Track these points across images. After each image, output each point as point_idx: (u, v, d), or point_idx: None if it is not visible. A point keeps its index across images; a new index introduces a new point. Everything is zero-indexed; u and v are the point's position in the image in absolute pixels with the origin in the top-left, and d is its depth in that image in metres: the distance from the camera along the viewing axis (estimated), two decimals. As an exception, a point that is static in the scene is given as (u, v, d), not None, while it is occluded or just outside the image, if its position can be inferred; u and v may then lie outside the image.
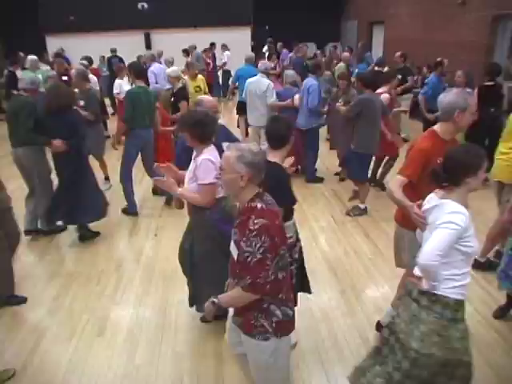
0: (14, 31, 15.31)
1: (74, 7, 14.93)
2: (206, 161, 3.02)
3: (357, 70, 9.94)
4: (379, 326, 3.43)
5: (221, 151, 3.66)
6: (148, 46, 15.62)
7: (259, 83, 6.61)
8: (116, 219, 5.68)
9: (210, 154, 3.07)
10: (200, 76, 7.72)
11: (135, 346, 3.46)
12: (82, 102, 5.92)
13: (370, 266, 4.50)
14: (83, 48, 12.53)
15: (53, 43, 14.75)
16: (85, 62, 9.13)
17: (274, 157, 2.95)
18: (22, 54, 10.68)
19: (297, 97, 6.64)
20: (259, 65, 7.04)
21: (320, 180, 6.88)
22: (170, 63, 9.11)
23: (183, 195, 3.15)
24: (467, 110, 2.80)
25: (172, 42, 13.70)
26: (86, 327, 3.69)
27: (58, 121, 4.65)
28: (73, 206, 4.82)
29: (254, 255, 1.98)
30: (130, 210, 5.81)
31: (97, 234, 5.23)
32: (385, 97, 5.90)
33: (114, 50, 12.07)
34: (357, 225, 5.43)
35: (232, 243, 2.15)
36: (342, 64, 9.96)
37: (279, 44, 14.58)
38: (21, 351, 3.43)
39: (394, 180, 2.96)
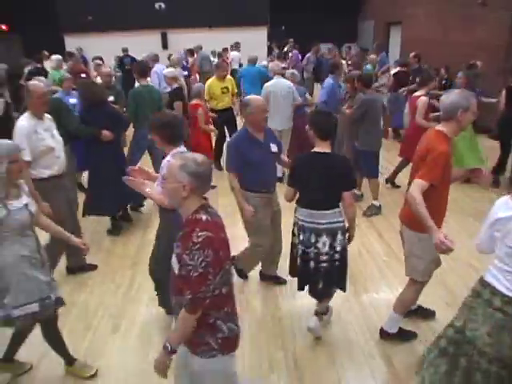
0: (33, 30, 15.58)
1: (93, 7, 15.11)
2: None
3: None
4: (382, 333, 3.41)
5: (269, 152, 3.72)
6: (165, 45, 15.73)
7: (281, 84, 6.42)
8: (132, 217, 5.76)
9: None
10: (229, 77, 7.64)
11: (149, 343, 3.50)
12: (111, 97, 6.08)
13: (383, 267, 4.48)
14: (101, 47, 12.70)
15: (71, 42, 14.95)
16: (98, 61, 9.24)
17: (322, 148, 3.18)
18: (46, 52, 10.75)
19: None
20: (270, 65, 7.03)
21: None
22: (175, 64, 9.17)
23: (151, 196, 3.19)
24: (469, 109, 2.84)
25: (188, 42, 13.76)
26: (100, 323, 3.74)
27: (98, 114, 4.83)
28: (119, 190, 4.69)
29: (196, 269, 1.90)
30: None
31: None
32: (422, 100, 5.71)
33: (125, 50, 12.13)
34: (370, 225, 5.40)
35: (173, 257, 2.06)
36: (368, 66, 9.68)
37: (289, 44, 14.57)
38: (36, 345, 3.48)
39: (416, 186, 2.80)
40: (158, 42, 15.51)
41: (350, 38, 17.11)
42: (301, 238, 3.29)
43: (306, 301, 3.77)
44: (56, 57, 8.89)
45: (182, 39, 14.75)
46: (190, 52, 12.50)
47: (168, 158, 3.07)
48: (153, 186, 3.24)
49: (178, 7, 15.39)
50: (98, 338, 3.57)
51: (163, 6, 15.67)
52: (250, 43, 14.35)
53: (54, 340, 3.09)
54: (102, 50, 12.18)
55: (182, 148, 3.20)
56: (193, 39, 14.11)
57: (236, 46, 13.64)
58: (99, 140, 4.82)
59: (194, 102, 6.37)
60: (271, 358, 3.31)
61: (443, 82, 10.40)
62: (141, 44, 13.30)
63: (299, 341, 3.47)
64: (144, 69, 6.18)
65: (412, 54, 9.50)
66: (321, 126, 3.19)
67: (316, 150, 3.22)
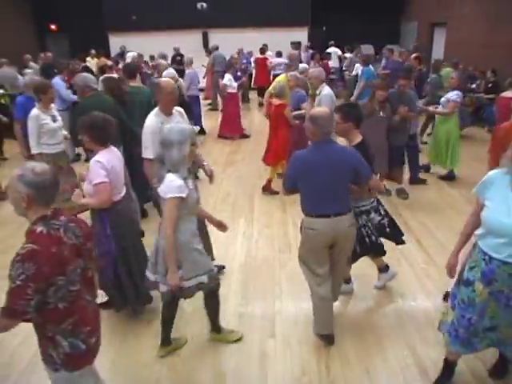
0: (79, 29, 16.14)
1: (137, 7, 15.49)
2: (95, 162, 3.19)
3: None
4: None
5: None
6: (205, 44, 15.92)
7: (327, 90, 6.00)
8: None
9: (101, 155, 3.23)
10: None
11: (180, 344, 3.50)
12: None
13: (422, 275, 4.35)
14: (143, 46, 13.00)
15: (115, 41, 15.39)
16: (163, 61, 9.52)
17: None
18: (93, 51, 11.06)
19: (305, 105, 6.17)
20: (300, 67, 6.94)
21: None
22: (189, 64, 9.30)
23: (86, 204, 3.30)
24: None
25: (229, 41, 13.89)
26: (135, 319, 3.77)
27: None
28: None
29: (14, 281, 1.84)
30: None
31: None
32: None
33: (177, 49, 12.34)
34: (408, 231, 5.26)
35: None
36: (448, 68, 9.04)
37: (304, 45, 14.44)
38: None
39: None
40: (199, 41, 15.71)
41: (392, 40, 16.72)
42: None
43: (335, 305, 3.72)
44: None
45: (223, 39, 14.88)
46: (208, 52, 12.47)
47: (96, 157, 3.21)
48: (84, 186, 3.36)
49: (219, 7, 15.55)
50: (133, 330, 3.63)
51: (205, 5, 15.86)
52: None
53: (214, 308, 3.35)
54: (145, 48, 12.48)
55: (110, 149, 3.33)
56: (233, 39, 14.23)
57: (263, 50, 13.18)
58: None
59: (278, 102, 6.20)
60: (303, 362, 3.29)
61: (489, 85, 10.07)
62: (182, 43, 13.53)
63: (332, 347, 3.42)
64: (132, 70, 6.04)
65: (413, 56, 9.22)
66: (359, 116, 3.48)
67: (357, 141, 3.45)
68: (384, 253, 3.83)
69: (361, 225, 3.58)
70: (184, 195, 2.75)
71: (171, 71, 7.21)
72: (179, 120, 3.93)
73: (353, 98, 9.15)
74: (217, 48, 12.60)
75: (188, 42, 14.00)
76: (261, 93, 11.91)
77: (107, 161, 3.21)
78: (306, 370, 3.19)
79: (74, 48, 14.83)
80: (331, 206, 3.09)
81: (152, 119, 3.83)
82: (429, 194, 6.33)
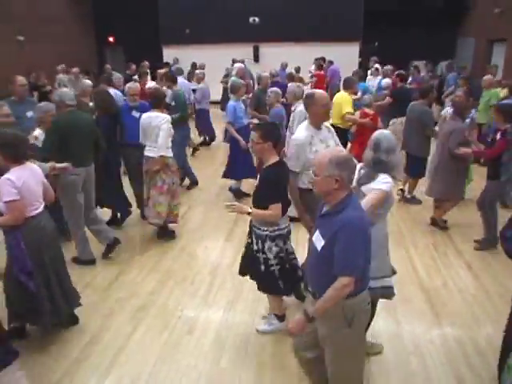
0: (135, 42, 16.82)
1: (191, 21, 15.93)
2: (5, 180, 3.20)
3: None
4: None
5: None
6: (256, 58, 16.12)
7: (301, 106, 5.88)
8: (214, 223, 5.93)
9: (12, 173, 3.24)
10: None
11: (221, 349, 3.54)
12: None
13: (472, 302, 4.15)
14: (195, 59, 13.30)
15: (169, 53, 15.87)
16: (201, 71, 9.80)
17: None
18: (146, 62, 11.40)
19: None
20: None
21: (419, 202, 6.59)
22: (201, 79, 9.39)
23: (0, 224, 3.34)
24: None
25: (279, 55, 13.98)
26: (177, 324, 3.86)
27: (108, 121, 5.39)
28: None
29: None
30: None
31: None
32: None
33: (234, 61, 12.49)
34: (459, 255, 5.06)
35: None
36: (497, 89, 8.36)
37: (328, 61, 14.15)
38: (119, 334, 3.71)
39: None
40: (249, 54, 15.94)
41: (447, 56, 16.26)
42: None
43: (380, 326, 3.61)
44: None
45: (273, 53, 15.02)
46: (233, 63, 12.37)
47: (6, 175, 3.22)
48: None
49: (271, 21, 15.73)
50: (174, 337, 3.68)
51: (257, 19, 16.10)
52: (341, 59, 14.25)
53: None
54: (196, 61, 12.79)
55: (27, 165, 3.36)
56: (283, 53, 14.30)
57: (320, 64, 13.02)
58: None
59: (366, 110, 6.65)
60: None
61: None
62: (233, 56, 13.73)
63: (372, 365, 3.32)
64: (175, 77, 7.17)
65: (395, 73, 9.18)
66: (278, 136, 3.41)
67: None
68: (287, 293, 3.64)
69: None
70: (389, 191, 2.94)
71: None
72: (327, 135, 3.88)
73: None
74: (242, 61, 12.25)
75: (239, 55, 14.19)
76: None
77: (17, 178, 3.21)
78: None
79: (129, 59, 15.44)
80: None
81: (302, 133, 3.77)
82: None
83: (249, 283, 4.42)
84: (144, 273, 4.71)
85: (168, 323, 3.86)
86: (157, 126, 5.00)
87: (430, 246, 5.26)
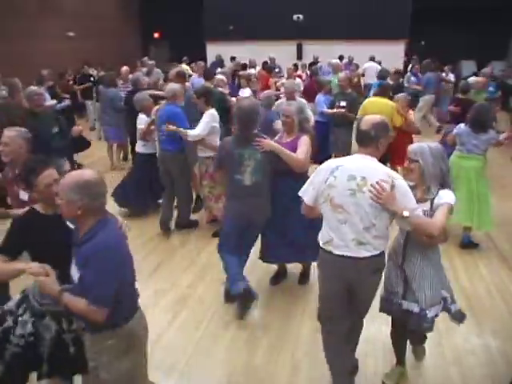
0: (179, 37, 17.09)
1: (235, 18, 16.03)
2: None
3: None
4: None
5: None
6: (299, 56, 16.02)
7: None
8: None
9: None
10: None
11: (256, 346, 3.55)
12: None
13: (517, 312, 3.97)
14: (238, 55, 13.37)
15: (212, 49, 16.04)
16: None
17: None
18: (186, 58, 11.57)
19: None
20: None
21: None
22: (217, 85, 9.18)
23: None
24: None
25: (322, 54, 13.85)
26: (213, 318, 3.89)
27: None
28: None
29: None
30: None
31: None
32: None
33: (272, 59, 12.49)
34: (503, 260, 4.85)
35: None
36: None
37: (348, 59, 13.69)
38: (156, 325, 3.73)
39: None
40: (293, 52, 15.87)
41: (498, 56, 15.56)
42: None
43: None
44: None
45: (317, 50, 14.88)
46: (243, 66, 11.75)
47: None
48: None
49: (315, 19, 15.59)
50: (209, 332, 3.72)
51: (301, 17, 15.98)
52: (386, 57, 13.94)
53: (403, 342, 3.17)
54: (239, 57, 12.86)
55: None
56: (326, 51, 14.16)
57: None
58: None
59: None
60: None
61: None
62: (277, 53, 13.69)
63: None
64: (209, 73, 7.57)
65: (393, 70, 9.10)
66: None
67: None
68: None
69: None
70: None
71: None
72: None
73: None
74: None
75: (282, 53, 14.17)
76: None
77: None
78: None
79: (174, 54, 15.70)
80: None
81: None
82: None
83: (285, 284, 4.42)
84: (182, 266, 4.78)
85: (204, 317, 3.90)
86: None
87: (472, 252, 5.07)
